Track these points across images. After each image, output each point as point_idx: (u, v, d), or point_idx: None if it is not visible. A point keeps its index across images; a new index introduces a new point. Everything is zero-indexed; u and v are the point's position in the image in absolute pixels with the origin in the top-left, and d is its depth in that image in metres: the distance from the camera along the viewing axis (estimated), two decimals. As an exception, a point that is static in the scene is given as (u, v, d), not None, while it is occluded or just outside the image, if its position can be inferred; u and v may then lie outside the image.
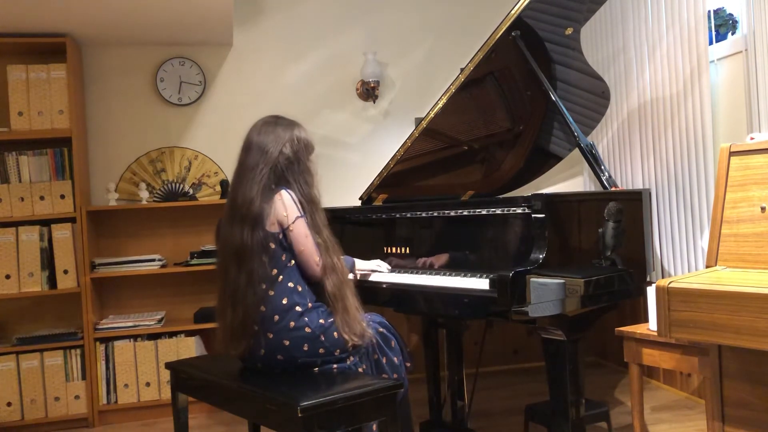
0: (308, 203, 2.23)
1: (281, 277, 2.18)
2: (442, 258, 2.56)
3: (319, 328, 2.17)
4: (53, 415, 3.55)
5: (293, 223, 2.17)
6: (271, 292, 2.17)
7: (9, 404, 3.49)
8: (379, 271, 2.64)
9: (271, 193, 2.18)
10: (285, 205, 2.17)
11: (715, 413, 2.13)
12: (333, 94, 4.25)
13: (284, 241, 2.19)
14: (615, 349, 3.99)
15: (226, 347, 2.26)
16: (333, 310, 2.21)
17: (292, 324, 2.15)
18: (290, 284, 2.19)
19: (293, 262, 2.21)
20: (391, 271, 2.66)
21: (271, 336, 2.16)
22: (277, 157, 2.22)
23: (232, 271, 2.19)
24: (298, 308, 2.17)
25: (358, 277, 2.59)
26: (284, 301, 2.17)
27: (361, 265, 2.60)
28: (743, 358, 2.05)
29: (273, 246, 2.17)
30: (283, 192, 2.19)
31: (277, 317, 2.16)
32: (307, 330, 2.16)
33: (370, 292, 2.56)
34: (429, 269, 2.59)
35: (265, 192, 2.18)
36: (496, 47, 2.68)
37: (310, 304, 2.20)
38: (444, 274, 2.46)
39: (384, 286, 2.58)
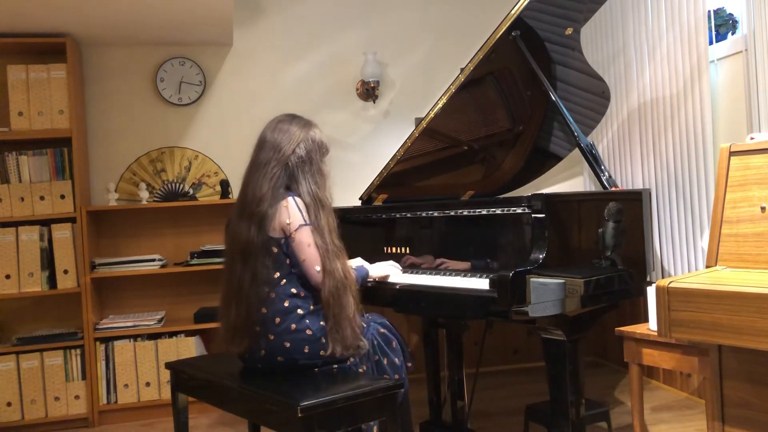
0: (315, 205, 2.19)
1: (284, 281, 2.17)
2: (443, 258, 2.56)
3: (320, 331, 2.17)
4: (53, 415, 3.55)
5: (296, 231, 2.15)
6: (273, 295, 2.16)
7: (9, 404, 3.49)
8: (396, 271, 2.56)
9: (279, 197, 2.16)
10: (289, 213, 2.15)
11: (715, 413, 2.13)
12: (333, 94, 4.25)
13: (286, 247, 2.17)
14: (615, 349, 3.99)
15: (228, 345, 2.25)
16: (326, 316, 2.17)
17: (294, 326, 2.15)
18: (293, 290, 2.18)
19: (296, 268, 2.19)
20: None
21: (272, 338, 2.16)
22: (290, 156, 2.21)
23: (238, 268, 2.19)
24: (299, 311, 2.17)
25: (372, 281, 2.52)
26: (285, 304, 2.16)
27: (376, 271, 2.51)
28: (743, 358, 2.05)
29: (276, 250, 2.16)
30: (290, 199, 2.17)
31: (278, 319, 2.15)
32: (308, 332, 2.16)
33: (370, 293, 2.55)
34: (429, 269, 2.59)
35: (275, 192, 2.17)
36: (496, 47, 2.68)
37: (312, 307, 2.19)
38: (444, 274, 2.46)
39: (385, 286, 2.58)
